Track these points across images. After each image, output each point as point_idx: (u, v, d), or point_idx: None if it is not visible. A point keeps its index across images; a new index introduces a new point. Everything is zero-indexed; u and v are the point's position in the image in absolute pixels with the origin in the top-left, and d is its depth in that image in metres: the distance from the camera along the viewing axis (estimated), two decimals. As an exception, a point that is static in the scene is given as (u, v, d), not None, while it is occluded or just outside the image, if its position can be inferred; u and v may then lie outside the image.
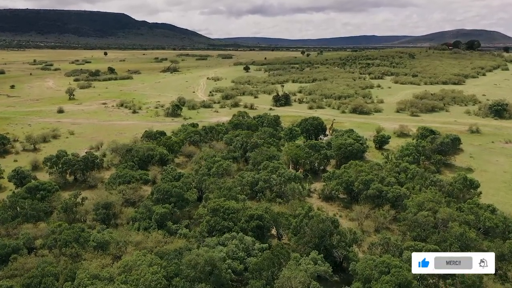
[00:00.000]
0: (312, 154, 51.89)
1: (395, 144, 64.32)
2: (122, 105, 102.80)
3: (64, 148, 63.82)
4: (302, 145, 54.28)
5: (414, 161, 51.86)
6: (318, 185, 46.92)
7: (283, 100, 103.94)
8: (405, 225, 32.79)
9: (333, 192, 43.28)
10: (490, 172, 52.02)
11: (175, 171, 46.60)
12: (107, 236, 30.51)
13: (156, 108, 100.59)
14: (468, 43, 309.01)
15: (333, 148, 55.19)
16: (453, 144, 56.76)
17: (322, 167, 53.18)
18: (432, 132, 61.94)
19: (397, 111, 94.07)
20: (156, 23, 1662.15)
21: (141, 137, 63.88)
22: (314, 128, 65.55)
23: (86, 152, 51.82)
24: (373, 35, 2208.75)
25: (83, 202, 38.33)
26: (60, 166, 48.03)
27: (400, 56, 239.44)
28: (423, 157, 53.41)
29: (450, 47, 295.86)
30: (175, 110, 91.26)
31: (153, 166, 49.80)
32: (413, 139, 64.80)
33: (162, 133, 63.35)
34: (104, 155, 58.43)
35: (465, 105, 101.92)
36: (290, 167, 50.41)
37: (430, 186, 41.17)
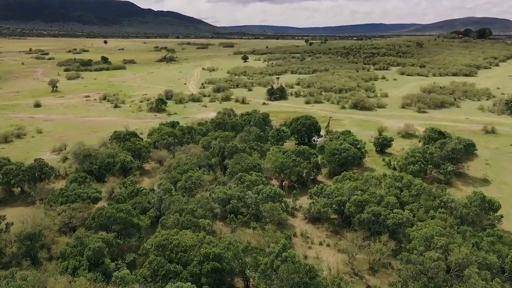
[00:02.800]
0: (300, 162, 44.15)
1: (399, 146, 56.50)
2: (104, 98, 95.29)
3: (26, 150, 57.10)
4: (289, 151, 46.45)
5: (420, 170, 44.08)
6: (305, 201, 39.28)
7: (278, 94, 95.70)
8: (407, 270, 25.13)
9: (322, 213, 35.61)
10: (510, 185, 44.00)
11: (134, 185, 39.20)
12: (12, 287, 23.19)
13: (141, 102, 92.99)
14: (479, 31, 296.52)
15: (325, 154, 47.42)
16: (467, 151, 48.68)
17: (312, 177, 45.48)
18: (442, 134, 53.76)
19: (402, 107, 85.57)
20: (162, 11, 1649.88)
21: (109, 139, 56.45)
22: (306, 129, 57.64)
23: (35, 160, 44.42)
24: (381, 23, 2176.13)
25: (8, 229, 31.08)
26: (1, 177, 40.77)
27: (407, 45, 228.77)
28: (431, 166, 45.53)
29: (460, 36, 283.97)
30: (159, 104, 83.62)
31: (112, 177, 42.35)
32: (419, 141, 56.85)
33: (133, 134, 55.86)
34: (65, 159, 51.25)
35: (478, 99, 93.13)
36: (273, 179, 42.83)
37: (439, 209, 33.45)
